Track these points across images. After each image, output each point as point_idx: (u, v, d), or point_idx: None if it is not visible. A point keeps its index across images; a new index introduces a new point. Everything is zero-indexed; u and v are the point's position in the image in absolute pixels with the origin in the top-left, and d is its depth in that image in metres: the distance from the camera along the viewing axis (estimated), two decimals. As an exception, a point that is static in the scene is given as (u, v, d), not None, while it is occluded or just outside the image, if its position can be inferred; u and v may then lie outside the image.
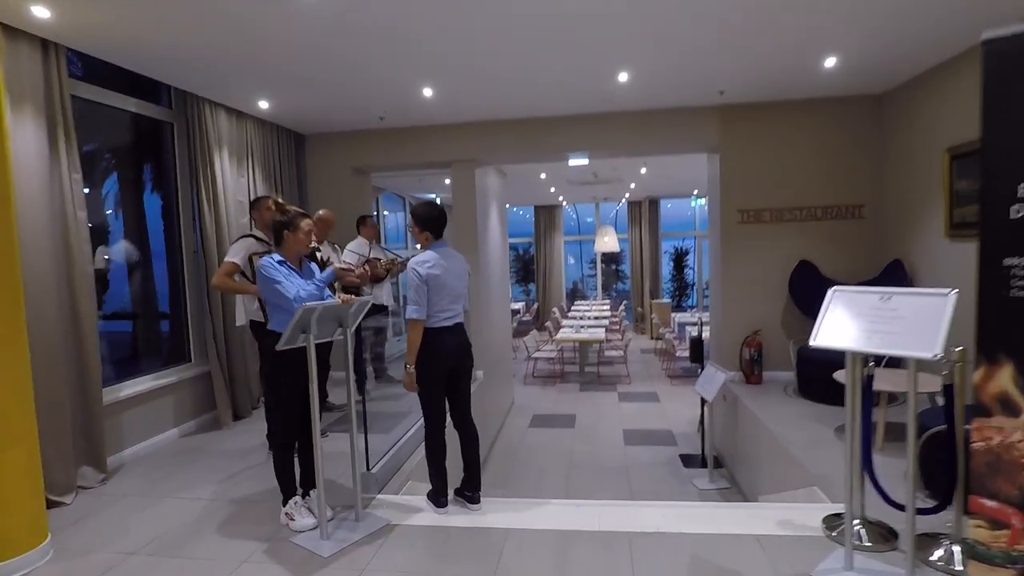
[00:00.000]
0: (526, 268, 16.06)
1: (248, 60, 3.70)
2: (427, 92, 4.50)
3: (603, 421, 6.81)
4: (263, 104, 4.67)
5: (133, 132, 4.37)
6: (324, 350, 3.40)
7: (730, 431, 5.14)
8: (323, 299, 2.79)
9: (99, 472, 3.43)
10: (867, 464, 2.44)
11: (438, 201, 6.41)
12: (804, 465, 3.40)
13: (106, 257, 4.09)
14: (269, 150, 5.25)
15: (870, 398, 2.53)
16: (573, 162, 6.14)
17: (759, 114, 5.14)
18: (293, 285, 2.63)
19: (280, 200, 2.73)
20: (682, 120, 5.26)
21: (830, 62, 4.08)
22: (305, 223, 2.76)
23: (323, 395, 4.19)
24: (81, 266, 3.33)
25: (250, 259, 3.66)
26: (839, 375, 3.81)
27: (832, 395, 4.24)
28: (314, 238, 4.38)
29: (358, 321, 2.83)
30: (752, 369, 5.05)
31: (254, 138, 5.02)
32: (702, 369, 5.26)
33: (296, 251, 2.77)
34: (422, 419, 2.97)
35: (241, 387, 4.61)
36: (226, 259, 3.64)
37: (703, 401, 4.95)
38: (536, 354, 8.93)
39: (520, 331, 11.97)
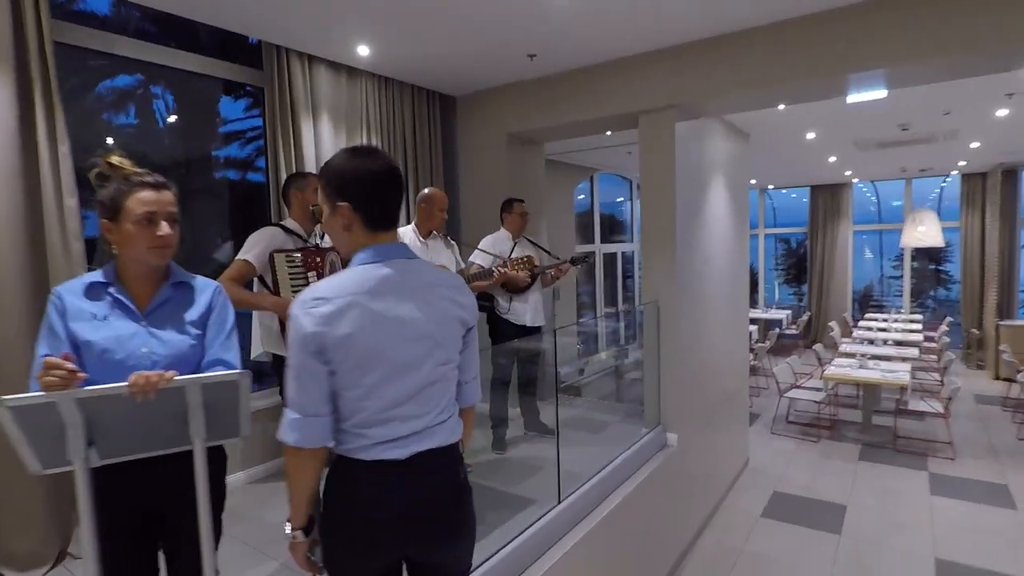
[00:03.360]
0: (799, 265, 12.67)
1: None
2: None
3: (898, 530, 4.10)
4: (363, 50, 3.47)
5: (218, 98, 3.62)
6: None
7: None
8: (209, 360, 1.36)
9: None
10: None
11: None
12: None
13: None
14: (396, 115, 4.08)
15: None
16: (856, 98, 3.63)
17: None
18: (38, 359, 1.25)
19: (115, 158, 1.36)
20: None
21: None
22: (140, 200, 1.33)
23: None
24: (68, 268, 2.52)
25: (271, 258, 2.48)
26: None
27: None
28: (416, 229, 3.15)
29: (244, 422, 1.32)
30: None
31: (372, 100, 3.90)
32: None
33: (135, 257, 1.38)
34: None
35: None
36: (238, 256, 2.50)
37: None
38: (792, 392, 6.30)
39: (780, 349, 9.16)
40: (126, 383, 1.15)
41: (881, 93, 3.57)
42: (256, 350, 2.64)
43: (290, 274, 2.45)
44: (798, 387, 6.43)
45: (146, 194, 1.35)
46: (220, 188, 3.79)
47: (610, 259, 8.58)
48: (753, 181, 9.86)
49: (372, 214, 1.26)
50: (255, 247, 2.48)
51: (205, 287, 1.49)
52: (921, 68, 3.01)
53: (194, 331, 1.41)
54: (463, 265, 3.26)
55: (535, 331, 3.76)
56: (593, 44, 3.49)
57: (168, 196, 1.39)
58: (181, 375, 1.34)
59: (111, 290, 1.37)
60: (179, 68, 3.23)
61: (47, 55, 2.46)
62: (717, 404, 4.56)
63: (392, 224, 1.30)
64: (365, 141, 3.86)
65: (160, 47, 3.09)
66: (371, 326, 1.20)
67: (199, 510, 1.25)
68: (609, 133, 4.65)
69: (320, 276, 2.47)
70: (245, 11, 2.93)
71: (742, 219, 5.26)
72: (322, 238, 2.76)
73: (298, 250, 2.50)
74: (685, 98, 3.56)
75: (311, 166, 3.47)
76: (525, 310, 3.69)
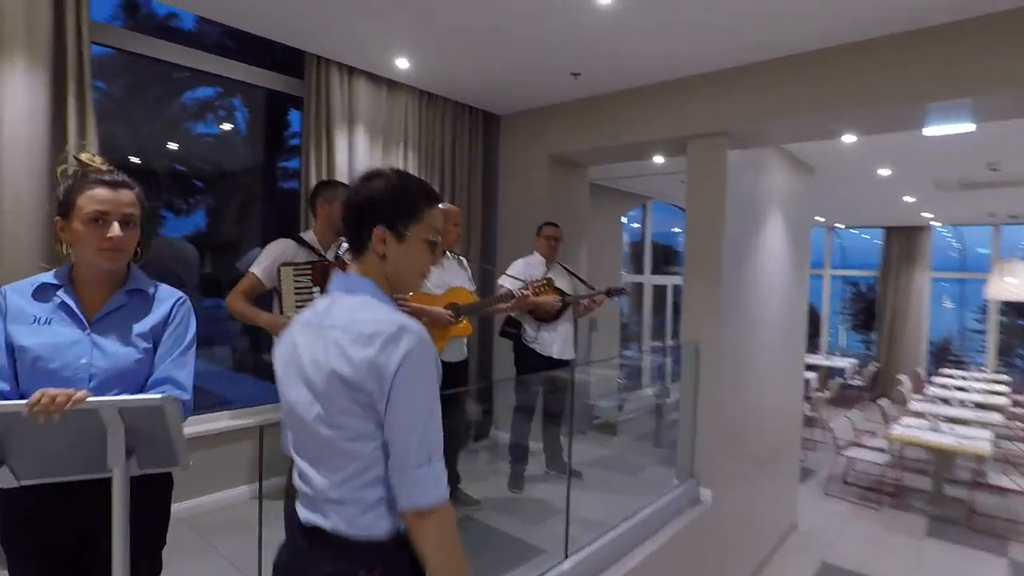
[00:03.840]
0: (868, 311, 11.83)
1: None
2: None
3: (968, 624, 3.58)
4: (402, 63, 3.41)
5: (264, 111, 3.65)
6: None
7: None
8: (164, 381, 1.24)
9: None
10: None
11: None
12: None
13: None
14: (437, 131, 4.00)
15: None
16: (936, 131, 3.26)
17: None
18: None
19: (84, 155, 1.28)
20: None
21: None
22: (92, 197, 1.23)
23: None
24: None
25: (278, 271, 2.39)
26: None
27: None
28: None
29: (181, 451, 1.18)
30: None
31: (412, 115, 3.83)
32: None
33: (85, 260, 1.27)
34: None
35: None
36: (249, 268, 2.43)
37: None
38: (851, 451, 5.74)
39: (842, 400, 8.48)
40: (26, 401, 1.03)
41: (967, 127, 3.19)
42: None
43: (295, 288, 2.35)
44: (858, 445, 5.85)
45: (100, 192, 1.24)
46: (282, 199, 3.84)
47: (659, 291, 8.22)
48: (820, 219, 9.29)
49: (349, 240, 1.17)
50: (264, 260, 2.41)
51: (166, 297, 1.37)
52: (1013, 99, 2.65)
53: (143, 344, 1.28)
54: (475, 286, 3.10)
55: (563, 364, 3.54)
56: (639, 64, 3.29)
57: (126, 196, 1.28)
58: (123, 392, 1.23)
59: (59, 292, 1.27)
60: (221, 75, 3.25)
61: (84, 58, 2.49)
62: (762, 458, 4.17)
63: (356, 253, 1.16)
64: (402, 155, 3.79)
65: (202, 53, 3.12)
66: (285, 355, 1.13)
67: (113, 546, 1.11)
68: (662, 160, 4.42)
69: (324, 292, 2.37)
70: (286, 21, 2.92)
71: (802, 257, 4.88)
72: (339, 251, 2.65)
73: (306, 264, 2.40)
74: (737, 124, 3.30)
75: (343, 177, 3.41)
76: (553, 340, 3.48)
